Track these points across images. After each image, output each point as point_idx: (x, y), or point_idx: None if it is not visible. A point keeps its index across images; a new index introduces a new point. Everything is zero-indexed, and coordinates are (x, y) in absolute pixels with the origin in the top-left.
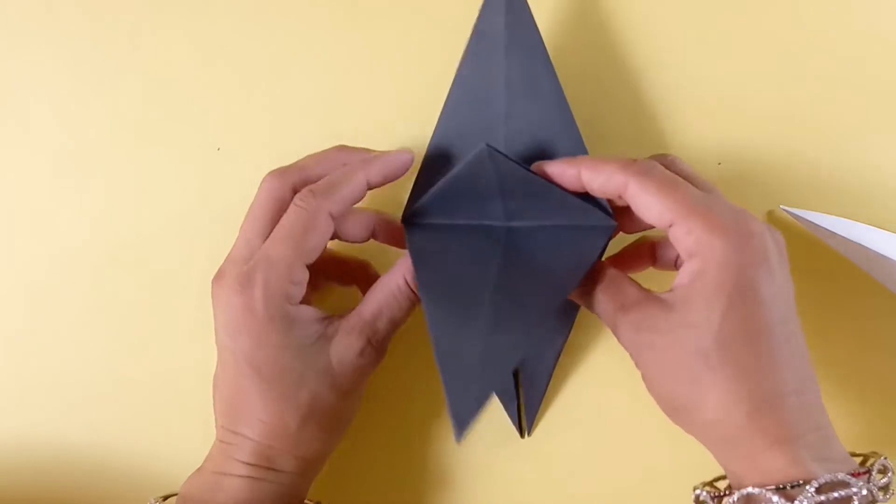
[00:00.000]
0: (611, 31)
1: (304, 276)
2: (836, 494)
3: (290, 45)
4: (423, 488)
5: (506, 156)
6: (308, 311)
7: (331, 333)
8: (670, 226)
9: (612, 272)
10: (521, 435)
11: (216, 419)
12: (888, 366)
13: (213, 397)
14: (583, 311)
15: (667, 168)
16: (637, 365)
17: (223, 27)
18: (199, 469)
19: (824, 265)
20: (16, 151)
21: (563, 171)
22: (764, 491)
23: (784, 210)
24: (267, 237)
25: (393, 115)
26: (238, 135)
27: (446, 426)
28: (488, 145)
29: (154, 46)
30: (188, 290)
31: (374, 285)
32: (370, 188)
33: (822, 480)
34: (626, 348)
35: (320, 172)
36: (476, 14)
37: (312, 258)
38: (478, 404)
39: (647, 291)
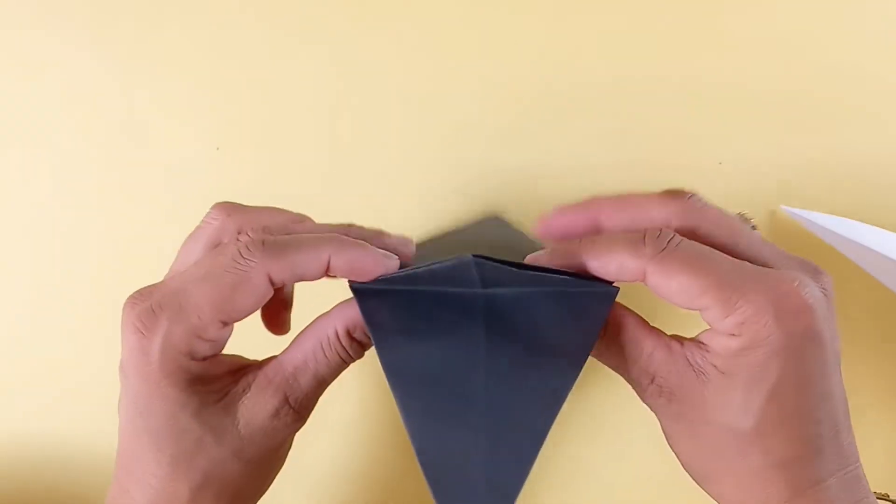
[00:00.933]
0: (610, 30)
1: (220, 335)
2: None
3: (290, 45)
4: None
5: (495, 260)
6: (216, 366)
7: (241, 389)
8: (704, 309)
9: (633, 328)
10: None
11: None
12: (888, 365)
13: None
14: None
15: (688, 217)
16: (663, 429)
17: (223, 27)
18: None
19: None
20: (16, 151)
21: (564, 260)
22: None
23: (784, 210)
24: None
25: (393, 115)
26: (238, 135)
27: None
28: (475, 256)
29: (154, 46)
30: None
31: (305, 329)
32: (328, 274)
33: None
34: (652, 409)
35: (280, 226)
36: (476, 13)
37: (234, 320)
38: None
39: (670, 346)
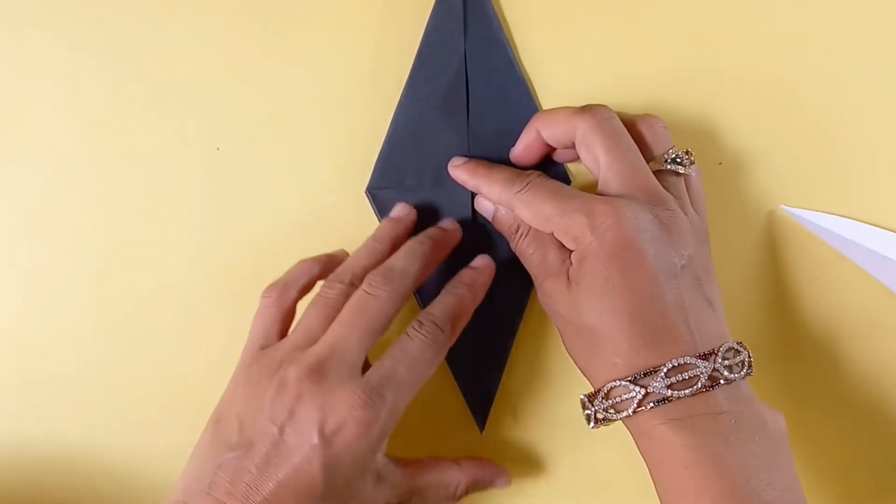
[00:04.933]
0: (609, 30)
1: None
2: (683, 376)
3: (290, 45)
4: None
5: None
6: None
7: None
8: (555, 233)
9: (538, 234)
10: (480, 429)
11: None
12: (888, 365)
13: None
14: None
15: (592, 126)
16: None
17: (223, 27)
18: None
19: (824, 265)
20: (16, 152)
21: (470, 178)
22: (621, 382)
23: (784, 210)
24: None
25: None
26: (238, 135)
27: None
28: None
29: (154, 46)
30: (188, 291)
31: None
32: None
33: (671, 365)
34: (550, 317)
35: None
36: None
37: None
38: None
39: (564, 261)
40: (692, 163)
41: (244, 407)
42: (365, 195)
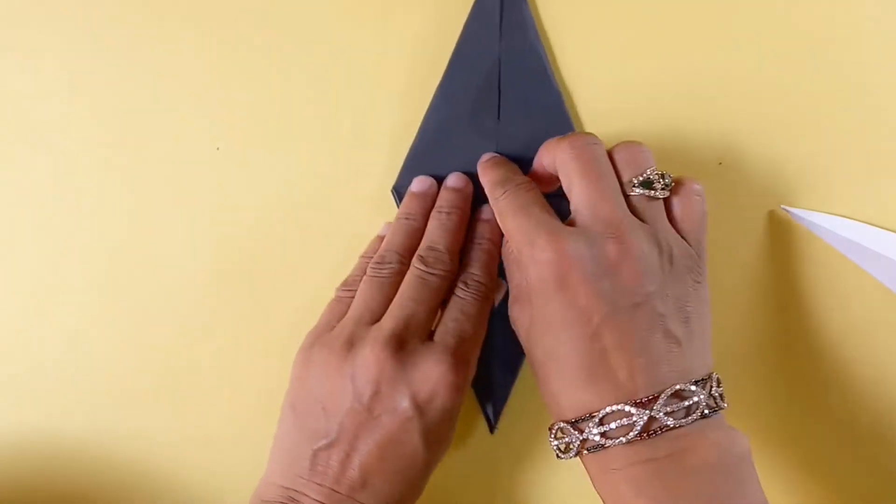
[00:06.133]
0: (610, 30)
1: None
2: (619, 423)
3: (290, 45)
4: None
5: None
6: None
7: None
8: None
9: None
10: (491, 430)
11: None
12: (888, 365)
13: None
14: None
15: (567, 155)
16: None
17: (223, 27)
18: None
19: (824, 265)
20: (17, 152)
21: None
22: (563, 424)
23: (784, 210)
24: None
25: (394, 116)
26: (238, 135)
27: None
28: None
29: (154, 46)
30: (189, 290)
31: None
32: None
33: (606, 411)
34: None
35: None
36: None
37: None
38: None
39: (524, 279)
40: (666, 186)
41: (322, 390)
42: (391, 193)
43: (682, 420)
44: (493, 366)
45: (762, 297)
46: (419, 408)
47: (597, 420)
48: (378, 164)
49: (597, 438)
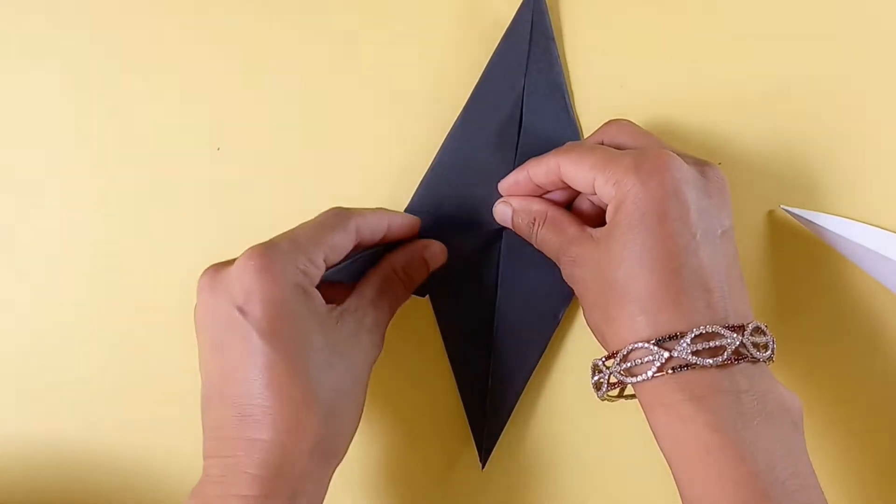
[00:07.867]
0: (610, 31)
1: (322, 267)
2: (709, 344)
3: (290, 45)
4: None
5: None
6: (320, 297)
7: (353, 329)
8: (595, 182)
9: (553, 212)
10: (482, 465)
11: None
12: (889, 365)
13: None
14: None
15: (617, 132)
16: (581, 303)
17: (223, 27)
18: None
19: (824, 265)
20: (16, 151)
21: (516, 178)
22: (643, 343)
23: (784, 210)
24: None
25: (394, 117)
26: (238, 135)
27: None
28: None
29: (154, 46)
30: (189, 290)
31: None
32: (387, 238)
33: (698, 332)
34: (568, 283)
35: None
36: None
37: (331, 260)
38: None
39: (584, 228)
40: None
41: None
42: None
43: (762, 354)
44: (487, 402)
45: (762, 297)
46: (242, 311)
47: (689, 338)
48: (379, 163)
49: (687, 357)
